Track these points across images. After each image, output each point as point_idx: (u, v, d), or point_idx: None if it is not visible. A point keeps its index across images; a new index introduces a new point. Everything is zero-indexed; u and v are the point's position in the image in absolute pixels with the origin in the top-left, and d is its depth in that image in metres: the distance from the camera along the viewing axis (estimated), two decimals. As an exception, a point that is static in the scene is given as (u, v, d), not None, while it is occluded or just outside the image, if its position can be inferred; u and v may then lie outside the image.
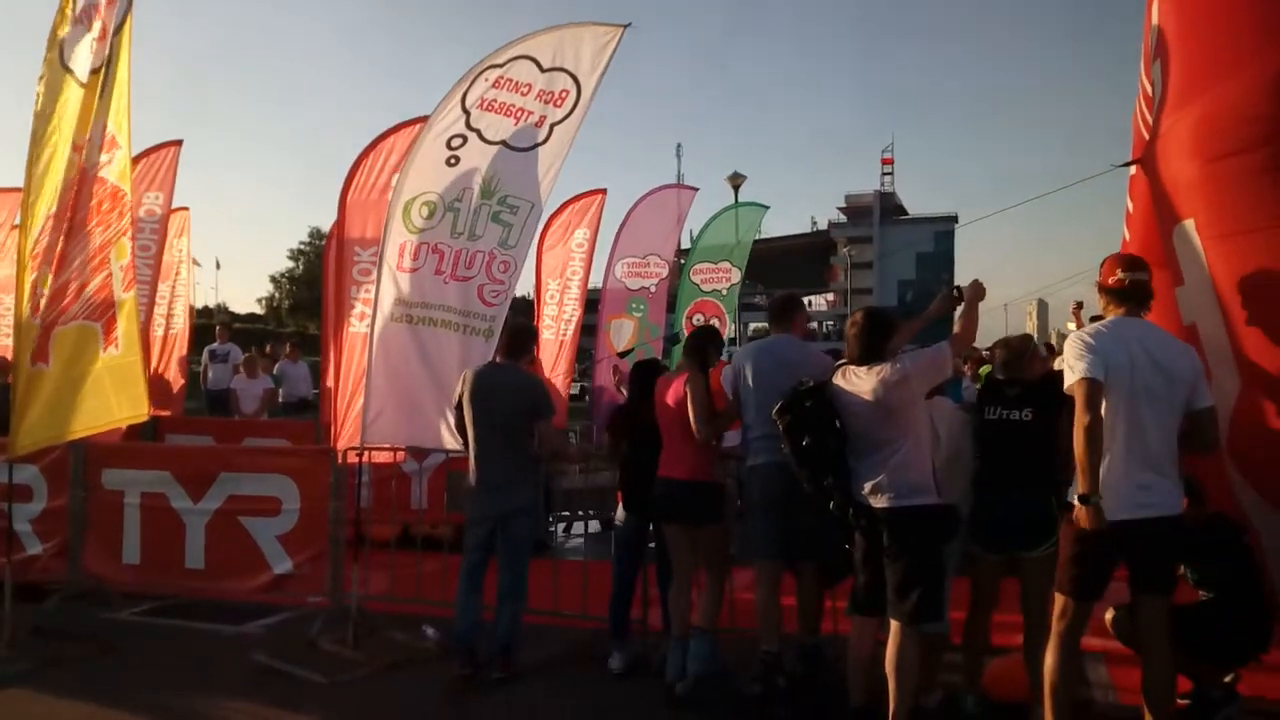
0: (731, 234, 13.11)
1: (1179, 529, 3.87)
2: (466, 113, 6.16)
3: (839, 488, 4.28)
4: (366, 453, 6.42)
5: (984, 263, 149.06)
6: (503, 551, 5.39)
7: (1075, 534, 3.83)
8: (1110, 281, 4.01)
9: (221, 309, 68.06)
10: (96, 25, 5.98)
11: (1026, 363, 4.76)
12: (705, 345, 5.14)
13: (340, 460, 6.34)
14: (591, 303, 11.83)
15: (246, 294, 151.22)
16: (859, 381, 4.30)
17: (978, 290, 4.65)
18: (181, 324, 10.97)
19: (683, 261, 13.52)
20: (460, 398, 5.52)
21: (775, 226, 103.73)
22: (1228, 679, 4.46)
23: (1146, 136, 4.65)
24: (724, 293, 12.84)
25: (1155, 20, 4.57)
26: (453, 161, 6.19)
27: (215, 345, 13.65)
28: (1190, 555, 4.29)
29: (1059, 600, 3.98)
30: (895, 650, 4.18)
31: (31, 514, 7.00)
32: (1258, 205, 3.96)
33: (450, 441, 6.12)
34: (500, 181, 6.22)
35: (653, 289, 11.99)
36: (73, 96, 5.96)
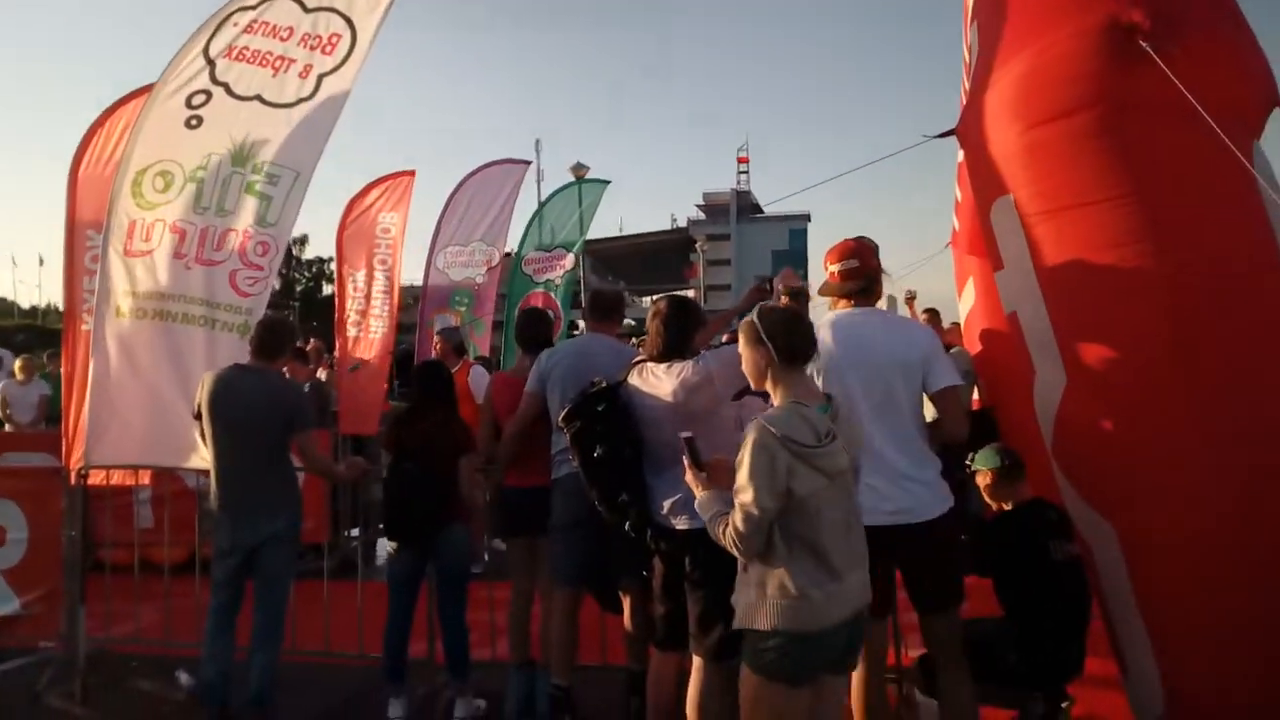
0: (569, 218, 12.24)
1: (940, 534, 3.54)
2: (211, 64, 5.12)
3: (635, 506, 3.64)
4: (109, 473, 5.44)
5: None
6: (256, 588, 4.59)
7: None
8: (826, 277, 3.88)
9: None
10: None
11: None
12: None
13: (74, 481, 5.27)
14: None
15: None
16: (657, 382, 3.65)
17: (787, 280, 4.19)
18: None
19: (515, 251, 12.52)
20: (199, 406, 4.58)
21: (637, 224, 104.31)
22: (1064, 705, 3.88)
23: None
24: (557, 284, 11.95)
25: None
26: (194, 123, 5.15)
27: None
28: (979, 563, 3.88)
29: None
30: (697, 691, 3.57)
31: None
32: (1083, 177, 3.39)
33: (200, 461, 5.09)
34: (255, 146, 5.19)
35: (479, 280, 10.97)
36: None
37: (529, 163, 11.58)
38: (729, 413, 3.79)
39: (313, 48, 5.22)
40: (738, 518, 2.79)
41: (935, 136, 4.13)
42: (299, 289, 64.59)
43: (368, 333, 8.50)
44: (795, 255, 74.75)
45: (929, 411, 3.75)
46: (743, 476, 2.79)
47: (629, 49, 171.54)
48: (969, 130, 3.90)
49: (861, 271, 3.80)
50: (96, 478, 5.45)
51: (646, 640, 4.05)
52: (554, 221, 12.29)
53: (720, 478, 3.01)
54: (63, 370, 5.68)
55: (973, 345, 4.48)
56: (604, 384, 3.72)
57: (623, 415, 3.66)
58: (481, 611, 5.21)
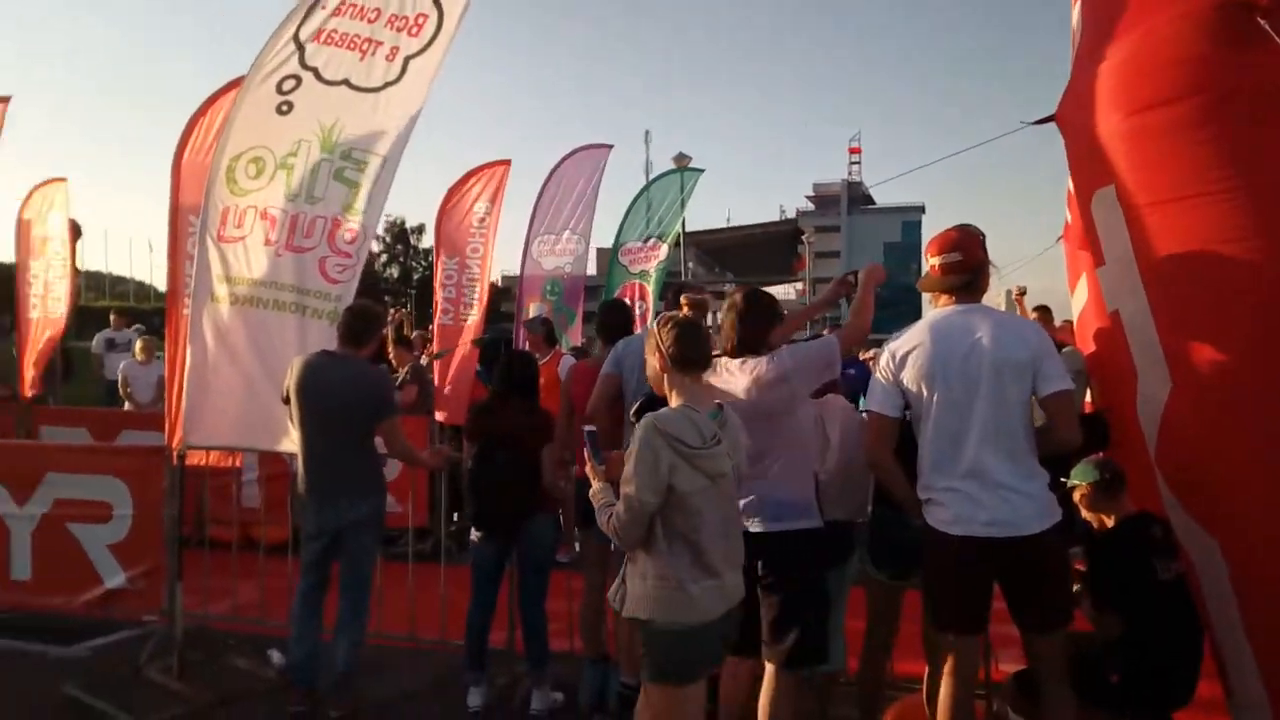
0: (668, 208, 12.02)
1: (1044, 550, 3.21)
2: (301, 48, 5.11)
3: None
4: (208, 454, 5.64)
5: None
6: (341, 571, 4.65)
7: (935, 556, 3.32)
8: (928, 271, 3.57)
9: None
10: None
11: None
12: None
13: (176, 461, 5.40)
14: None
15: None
16: (730, 378, 3.50)
17: (873, 274, 3.88)
18: (62, 304, 9.85)
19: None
20: (287, 390, 4.64)
21: (745, 215, 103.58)
22: None
23: None
24: (650, 273, 11.74)
25: None
26: (285, 109, 5.16)
27: (111, 332, 12.59)
28: (1093, 582, 3.55)
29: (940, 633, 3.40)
30: (769, 698, 3.44)
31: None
32: (1187, 167, 3.12)
33: (291, 445, 5.15)
34: (343, 131, 5.19)
35: (567, 269, 10.83)
36: None
37: (611, 146, 11.26)
38: (808, 411, 3.60)
39: (399, 29, 5.17)
40: (621, 507, 2.93)
41: (1034, 123, 3.86)
42: (415, 277, 66.05)
43: (459, 321, 8.54)
44: (908, 248, 73.04)
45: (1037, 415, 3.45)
46: (629, 470, 2.91)
47: (739, 39, 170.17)
48: (1069, 116, 3.63)
49: (966, 265, 3.46)
50: (195, 458, 5.58)
51: None
52: (651, 211, 12.13)
53: (615, 471, 3.05)
54: (166, 353, 5.83)
55: (1085, 345, 4.16)
56: None
57: None
58: (563, 601, 5.12)
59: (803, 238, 66.76)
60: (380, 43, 5.18)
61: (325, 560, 4.66)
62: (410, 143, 5.27)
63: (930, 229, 76.10)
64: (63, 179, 10.01)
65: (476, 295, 8.59)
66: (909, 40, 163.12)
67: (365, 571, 4.67)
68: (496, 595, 4.79)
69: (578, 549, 7.12)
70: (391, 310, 12.78)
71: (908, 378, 3.34)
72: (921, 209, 77.21)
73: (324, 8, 5.13)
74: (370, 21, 5.16)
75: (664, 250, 11.55)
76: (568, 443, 4.71)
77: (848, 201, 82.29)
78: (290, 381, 4.62)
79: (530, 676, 4.73)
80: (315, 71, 5.15)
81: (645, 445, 2.87)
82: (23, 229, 9.76)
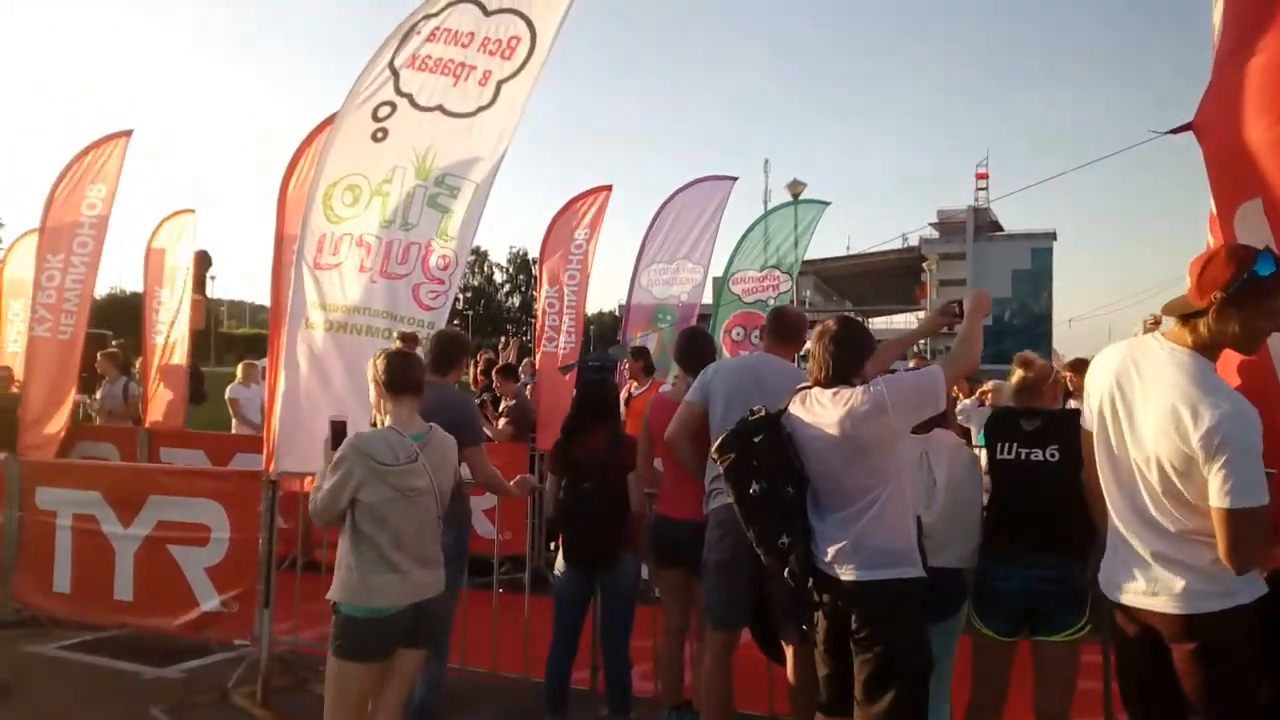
0: (784, 238, 11.76)
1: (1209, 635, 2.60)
2: (395, 75, 5.12)
3: (795, 551, 3.19)
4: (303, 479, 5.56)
5: (1086, 280, 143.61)
6: None
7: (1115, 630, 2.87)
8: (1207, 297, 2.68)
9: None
10: None
11: (1050, 390, 3.78)
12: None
13: (272, 487, 5.44)
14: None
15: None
16: (822, 411, 3.21)
17: (979, 302, 3.51)
18: (183, 329, 10.25)
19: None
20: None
21: (865, 242, 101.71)
22: None
23: None
24: (770, 304, 11.46)
25: None
26: (380, 135, 5.17)
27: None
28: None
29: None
30: None
31: (-34, 533, 6.51)
32: None
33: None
34: (436, 157, 5.16)
35: (683, 298, 10.67)
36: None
37: (735, 179, 11.08)
38: (911, 447, 3.28)
39: (492, 53, 5.11)
40: (316, 497, 3.47)
41: (1169, 132, 3.43)
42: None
43: (560, 349, 8.46)
44: (1038, 276, 70.38)
45: None
46: (329, 469, 3.42)
47: (859, 66, 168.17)
48: (1209, 124, 3.19)
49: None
50: (293, 483, 5.59)
51: (812, 699, 3.55)
52: (767, 241, 11.86)
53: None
54: (266, 379, 5.90)
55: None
56: (764, 412, 3.31)
57: (784, 448, 3.24)
58: (649, 639, 4.89)
59: (924, 265, 64.98)
60: (473, 67, 5.14)
61: None
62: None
63: (1062, 257, 73.36)
64: (191, 210, 10.47)
65: (574, 323, 8.48)
66: (1038, 59, 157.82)
67: (448, 604, 4.53)
68: (579, 632, 4.62)
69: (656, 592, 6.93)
70: (501, 339, 12.86)
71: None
72: (1053, 235, 74.05)
73: (419, 33, 5.12)
74: (464, 46, 5.12)
75: (785, 281, 11.26)
76: (645, 476, 4.51)
77: (974, 228, 79.84)
78: None
79: None
80: (410, 98, 5.14)
81: (342, 458, 3.39)
82: (152, 257, 10.23)
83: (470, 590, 4.95)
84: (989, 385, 7.78)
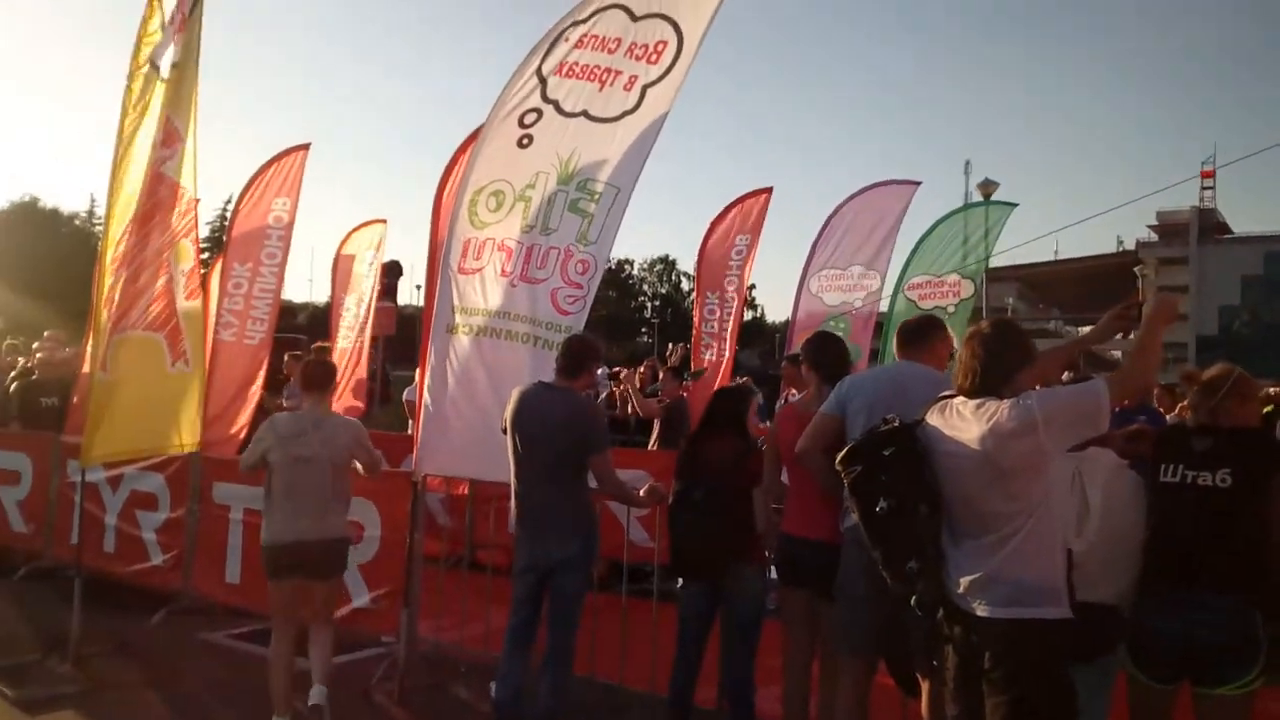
0: (968, 240, 11.10)
1: None
2: (543, 82, 5.13)
3: (925, 578, 2.88)
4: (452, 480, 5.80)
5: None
6: (549, 608, 4.55)
7: None
8: None
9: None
10: (176, 18, 5.67)
11: (1230, 402, 3.25)
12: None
13: (422, 487, 5.58)
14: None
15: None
16: (962, 424, 2.87)
17: (1161, 307, 3.06)
18: (366, 334, 10.73)
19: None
20: (506, 421, 4.58)
21: (1074, 246, 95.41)
22: None
23: None
24: (950, 311, 10.82)
25: None
26: (525, 142, 5.19)
27: None
28: None
29: None
30: None
31: (156, 523, 7.00)
32: None
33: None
34: (579, 162, 5.13)
35: (858, 305, 10.26)
36: (157, 92, 5.70)
37: (918, 183, 10.55)
38: (1063, 468, 2.90)
39: (639, 57, 5.04)
40: (245, 453, 4.89)
41: None
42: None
43: (718, 355, 8.30)
44: (1273, 282, 63.89)
45: None
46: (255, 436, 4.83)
47: (1069, 60, 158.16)
48: None
49: None
50: (437, 483, 5.70)
51: None
52: (947, 244, 11.23)
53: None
54: (417, 381, 6.05)
55: None
56: (897, 423, 3.00)
57: (918, 463, 2.92)
58: (776, 657, 4.63)
59: (1136, 270, 60.25)
60: (620, 72, 5.09)
61: (536, 596, 4.57)
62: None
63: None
64: (383, 220, 10.95)
65: (728, 328, 8.28)
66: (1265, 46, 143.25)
67: (572, 611, 4.51)
68: (703, 650, 4.44)
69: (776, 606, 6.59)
70: (669, 345, 12.82)
71: None
72: (1290, 238, 67.09)
73: (567, 40, 5.12)
74: (611, 52, 5.08)
75: (966, 286, 10.63)
76: (773, 489, 4.26)
77: (1198, 231, 73.44)
78: (508, 412, 4.59)
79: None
80: (556, 104, 5.15)
81: (265, 427, 4.79)
82: (340, 264, 10.78)
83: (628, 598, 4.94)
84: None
